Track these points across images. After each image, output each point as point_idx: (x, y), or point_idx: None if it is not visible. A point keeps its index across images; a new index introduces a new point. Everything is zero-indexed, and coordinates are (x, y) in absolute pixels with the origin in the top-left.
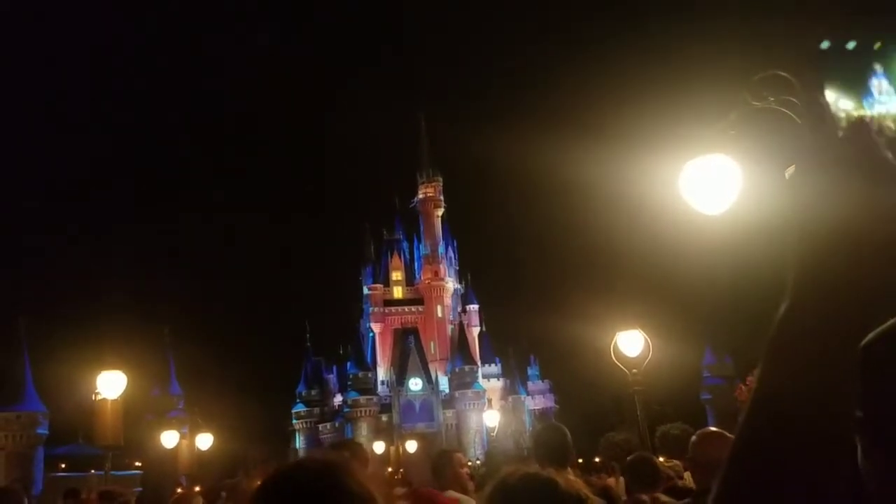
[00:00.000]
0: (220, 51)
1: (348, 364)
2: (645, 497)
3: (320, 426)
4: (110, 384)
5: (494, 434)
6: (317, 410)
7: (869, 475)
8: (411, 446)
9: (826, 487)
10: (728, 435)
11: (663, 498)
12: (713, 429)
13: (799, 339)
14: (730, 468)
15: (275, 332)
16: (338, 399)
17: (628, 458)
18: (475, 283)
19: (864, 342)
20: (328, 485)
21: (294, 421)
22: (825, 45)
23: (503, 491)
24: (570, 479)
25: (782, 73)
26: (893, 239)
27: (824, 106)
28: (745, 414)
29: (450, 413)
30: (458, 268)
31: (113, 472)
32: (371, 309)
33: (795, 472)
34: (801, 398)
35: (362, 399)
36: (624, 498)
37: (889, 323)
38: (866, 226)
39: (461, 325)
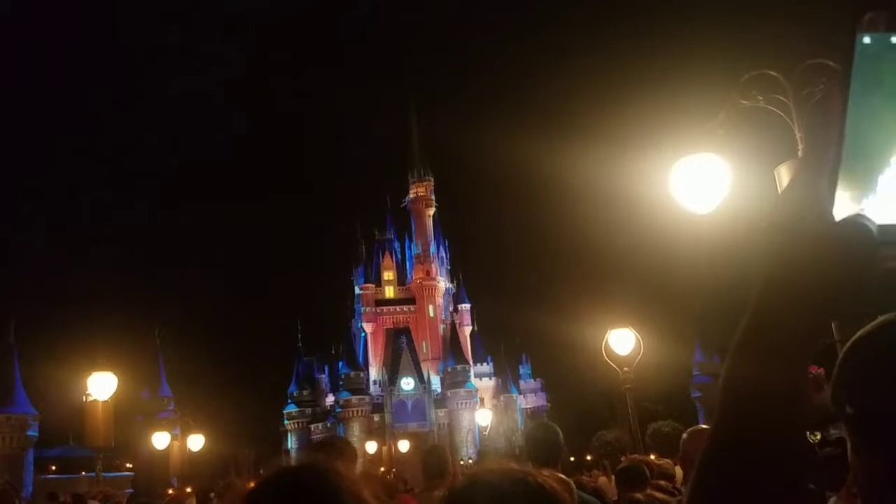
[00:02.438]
0: (210, 48)
1: (340, 364)
2: (639, 495)
3: (312, 426)
4: (101, 386)
5: (486, 433)
6: (308, 411)
7: (858, 469)
8: (404, 446)
9: (796, 486)
10: None
11: (657, 494)
12: (704, 426)
13: (761, 337)
14: (701, 470)
15: (266, 332)
16: (329, 399)
17: (619, 466)
18: (467, 283)
19: (853, 338)
20: (322, 490)
21: (286, 421)
22: (867, 40)
23: (460, 492)
24: (546, 474)
25: (771, 73)
26: (859, 257)
27: (841, 103)
28: (715, 416)
29: (442, 412)
30: (449, 267)
31: (104, 474)
32: (363, 309)
33: (767, 472)
34: (770, 396)
35: (354, 399)
36: (615, 497)
37: (878, 320)
38: (840, 242)
39: (453, 324)
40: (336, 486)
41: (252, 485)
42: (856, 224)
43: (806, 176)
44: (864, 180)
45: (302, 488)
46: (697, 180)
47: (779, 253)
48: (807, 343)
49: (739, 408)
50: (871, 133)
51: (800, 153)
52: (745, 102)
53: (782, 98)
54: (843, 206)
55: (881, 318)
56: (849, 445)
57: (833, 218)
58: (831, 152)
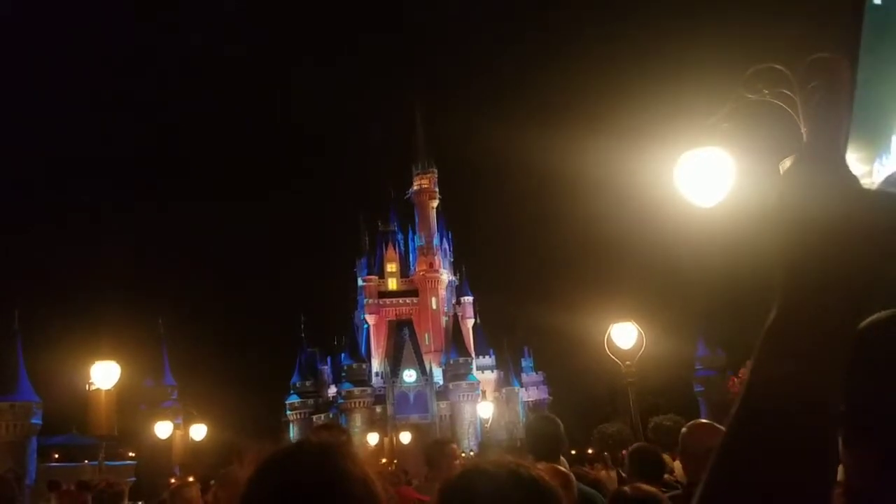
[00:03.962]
0: (216, 39)
1: (342, 355)
2: (626, 488)
3: (314, 417)
4: (104, 374)
5: (488, 425)
6: (311, 401)
7: (849, 468)
8: (405, 437)
9: (814, 487)
10: (718, 426)
11: (644, 487)
12: (703, 420)
13: (791, 336)
14: (717, 466)
15: (269, 323)
16: (332, 390)
17: (631, 449)
18: (470, 275)
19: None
20: (326, 468)
21: (288, 412)
22: (877, 1)
23: (454, 483)
24: (541, 467)
25: (777, 66)
26: (886, 234)
27: (845, 82)
28: (734, 412)
29: (444, 404)
30: (452, 259)
31: (107, 463)
32: (366, 300)
33: (784, 472)
34: (792, 395)
35: (356, 390)
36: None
37: (871, 318)
38: (861, 219)
39: (455, 316)
40: (341, 468)
41: (250, 471)
42: (887, 196)
43: (818, 146)
44: (875, 141)
45: (304, 471)
46: (702, 174)
47: (799, 237)
48: (843, 337)
49: (764, 409)
50: (883, 91)
51: (806, 132)
52: (750, 96)
53: (788, 92)
54: (851, 167)
55: (873, 316)
56: (840, 443)
57: (858, 187)
58: (843, 120)
